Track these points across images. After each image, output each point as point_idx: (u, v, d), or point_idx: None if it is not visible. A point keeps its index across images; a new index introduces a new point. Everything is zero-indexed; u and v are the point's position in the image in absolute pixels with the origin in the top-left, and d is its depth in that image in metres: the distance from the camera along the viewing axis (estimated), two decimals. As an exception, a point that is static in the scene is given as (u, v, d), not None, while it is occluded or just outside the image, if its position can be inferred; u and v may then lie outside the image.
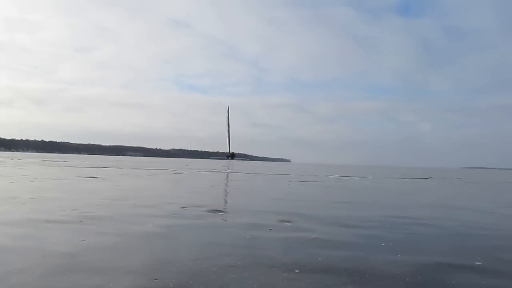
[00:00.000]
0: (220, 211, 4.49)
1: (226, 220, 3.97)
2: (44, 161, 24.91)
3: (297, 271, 2.19)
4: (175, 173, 14.85)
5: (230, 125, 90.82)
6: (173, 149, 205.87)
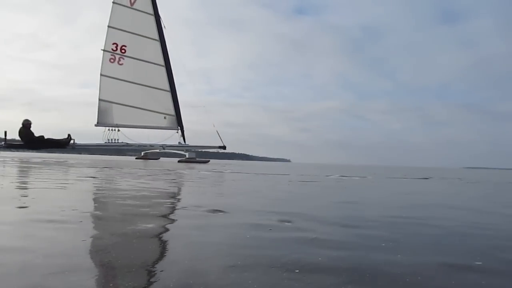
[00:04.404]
0: (220, 211, 4.49)
1: (226, 220, 3.97)
2: (44, 160, 24.91)
3: (297, 271, 2.19)
4: (175, 173, 14.85)
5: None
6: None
